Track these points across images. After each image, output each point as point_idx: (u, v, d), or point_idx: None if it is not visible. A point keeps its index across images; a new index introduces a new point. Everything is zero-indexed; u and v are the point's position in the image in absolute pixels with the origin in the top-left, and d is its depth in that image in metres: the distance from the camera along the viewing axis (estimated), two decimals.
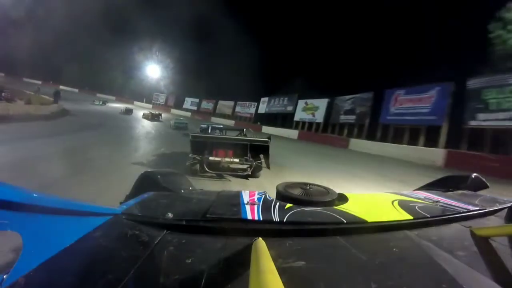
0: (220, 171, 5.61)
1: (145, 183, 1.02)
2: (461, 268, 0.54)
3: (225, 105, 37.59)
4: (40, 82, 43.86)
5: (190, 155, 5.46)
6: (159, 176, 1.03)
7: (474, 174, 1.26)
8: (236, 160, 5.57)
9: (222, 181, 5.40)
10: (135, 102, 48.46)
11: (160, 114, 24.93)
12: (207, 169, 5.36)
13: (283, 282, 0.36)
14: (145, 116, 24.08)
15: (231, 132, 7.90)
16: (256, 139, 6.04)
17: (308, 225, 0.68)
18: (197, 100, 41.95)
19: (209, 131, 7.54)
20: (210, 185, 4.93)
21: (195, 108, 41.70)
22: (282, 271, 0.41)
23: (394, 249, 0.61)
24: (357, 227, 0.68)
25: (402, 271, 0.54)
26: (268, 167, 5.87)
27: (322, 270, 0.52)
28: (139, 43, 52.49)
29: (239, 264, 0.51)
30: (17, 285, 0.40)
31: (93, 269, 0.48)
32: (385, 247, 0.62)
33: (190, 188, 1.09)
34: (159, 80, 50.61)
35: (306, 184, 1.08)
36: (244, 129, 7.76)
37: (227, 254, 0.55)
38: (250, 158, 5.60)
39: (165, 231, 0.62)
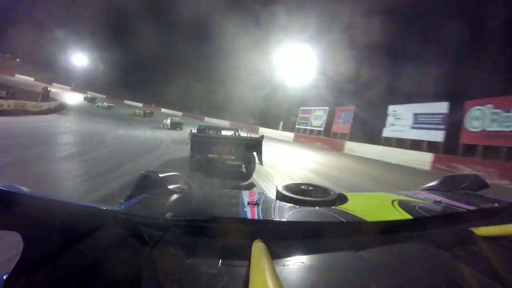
0: (217, 167, 5.77)
1: (145, 183, 0.94)
2: (461, 268, 0.54)
3: None
4: (141, 105, 40.38)
5: (190, 153, 5.78)
6: (159, 176, 0.96)
7: (474, 174, 1.23)
8: (233, 157, 5.86)
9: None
10: (262, 130, 25.58)
11: (152, 112, 27.19)
12: (206, 165, 5.63)
13: (283, 283, 0.37)
14: (138, 114, 25.40)
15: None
16: (250, 137, 6.58)
17: (308, 225, 0.67)
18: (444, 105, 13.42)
19: (205, 130, 7.95)
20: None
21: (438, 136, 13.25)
22: (282, 271, 0.42)
23: (394, 249, 0.61)
24: (357, 227, 0.68)
25: (402, 271, 0.54)
26: (261, 163, 6.01)
27: (322, 270, 0.52)
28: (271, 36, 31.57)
29: (239, 264, 0.51)
30: (17, 285, 0.40)
31: (93, 269, 0.47)
32: (385, 247, 0.62)
33: (190, 188, 1.05)
34: (309, 84, 25.38)
35: (306, 184, 1.03)
36: (238, 129, 8.15)
37: (227, 255, 0.55)
38: (245, 155, 5.89)
39: (165, 231, 0.62)
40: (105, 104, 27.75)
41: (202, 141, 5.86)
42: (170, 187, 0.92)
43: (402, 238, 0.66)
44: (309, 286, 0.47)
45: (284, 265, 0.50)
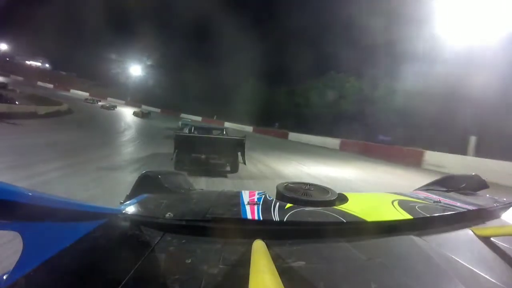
0: (201, 167, 5.83)
1: (145, 183, 0.94)
2: (461, 268, 0.54)
3: None
4: (200, 118, 37.07)
5: (174, 151, 5.75)
6: (159, 176, 0.96)
7: (474, 174, 1.20)
8: (216, 156, 6.02)
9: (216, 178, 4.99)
10: (430, 156, 12.20)
11: (149, 112, 29.11)
12: (190, 165, 5.77)
13: (283, 282, 0.37)
14: (136, 114, 26.81)
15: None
16: (234, 137, 6.40)
17: (308, 225, 0.67)
18: None
19: (192, 129, 7.64)
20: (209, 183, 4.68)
21: None
22: (282, 271, 0.42)
23: (394, 249, 0.60)
24: (357, 227, 0.67)
25: (402, 271, 0.53)
26: (244, 162, 6.12)
27: (322, 270, 0.52)
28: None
29: (239, 264, 0.51)
30: (17, 285, 0.40)
31: (93, 269, 0.47)
32: (385, 247, 0.61)
33: (190, 188, 1.05)
34: None
35: (306, 184, 1.03)
36: (224, 129, 8.26)
37: (227, 254, 0.55)
38: (229, 154, 6.07)
39: (165, 231, 0.62)
40: (104, 103, 30.06)
41: (185, 140, 5.81)
42: (170, 187, 0.91)
43: (402, 238, 0.64)
44: (309, 286, 0.47)
45: (284, 265, 0.51)
